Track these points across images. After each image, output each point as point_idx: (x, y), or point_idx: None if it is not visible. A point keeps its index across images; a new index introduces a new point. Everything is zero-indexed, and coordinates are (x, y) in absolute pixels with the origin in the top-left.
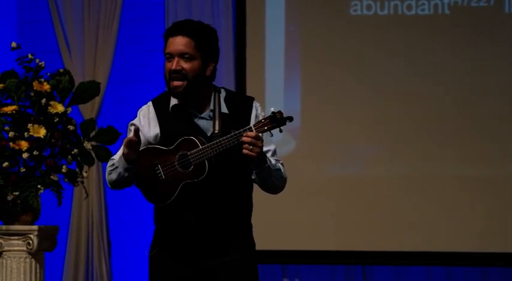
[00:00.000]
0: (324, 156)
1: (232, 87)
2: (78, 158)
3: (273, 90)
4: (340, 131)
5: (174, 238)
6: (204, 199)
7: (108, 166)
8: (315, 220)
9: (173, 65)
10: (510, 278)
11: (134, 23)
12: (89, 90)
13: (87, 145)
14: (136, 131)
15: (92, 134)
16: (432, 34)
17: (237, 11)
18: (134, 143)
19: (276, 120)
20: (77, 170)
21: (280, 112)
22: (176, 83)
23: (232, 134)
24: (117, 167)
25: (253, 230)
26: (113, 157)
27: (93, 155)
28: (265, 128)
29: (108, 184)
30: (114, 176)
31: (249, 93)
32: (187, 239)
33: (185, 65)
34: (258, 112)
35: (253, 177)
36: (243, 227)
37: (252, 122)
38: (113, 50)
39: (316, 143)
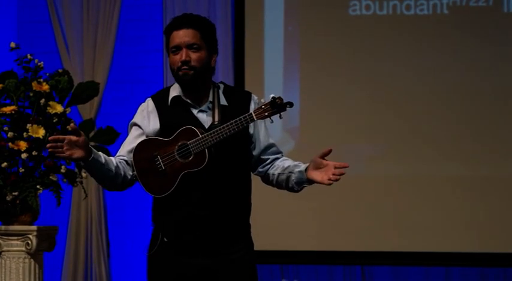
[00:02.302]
0: None
1: None
2: None
3: (271, 90)
4: (339, 131)
5: (174, 236)
6: (204, 191)
7: None
8: (314, 220)
9: (182, 56)
10: (508, 279)
11: (133, 22)
12: (88, 90)
13: None
14: (75, 130)
15: (91, 134)
16: (431, 34)
17: (236, 11)
18: (71, 142)
19: (276, 106)
20: (76, 170)
21: (280, 98)
22: (185, 70)
23: (233, 121)
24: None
25: (252, 230)
26: None
27: None
28: (266, 114)
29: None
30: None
31: None
32: (187, 236)
33: (193, 56)
34: (256, 106)
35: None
36: (242, 226)
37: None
38: (112, 51)
39: (315, 143)
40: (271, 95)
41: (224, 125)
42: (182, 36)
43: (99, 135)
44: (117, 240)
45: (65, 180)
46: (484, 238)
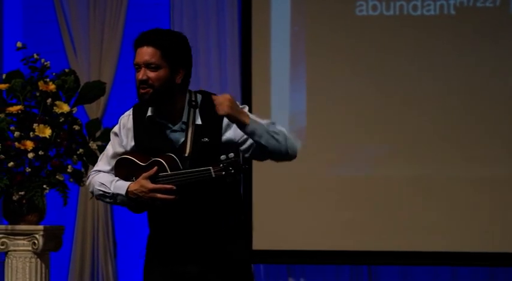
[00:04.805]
0: (330, 156)
1: (237, 88)
2: (84, 158)
3: (278, 90)
4: (346, 131)
5: (164, 243)
6: (187, 207)
7: (98, 187)
8: (320, 219)
9: (140, 75)
10: None
11: (139, 22)
12: (94, 90)
13: (93, 145)
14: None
15: (98, 134)
16: (438, 34)
17: (243, 11)
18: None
19: (233, 167)
20: (83, 170)
21: (237, 160)
22: (143, 90)
23: (194, 170)
24: (112, 196)
25: (259, 230)
26: (103, 182)
27: (99, 155)
28: (223, 173)
29: (92, 195)
30: (107, 200)
31: (254, 94)
32: (176, 245)
33: (151, 75)
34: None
35: (247, 155)
36: (234, 229)
37: (224, 126)
38: (118, 50)
39: (322, 144)
40: (226, 160)
41: (187, 172)
42: (142, 54)
43: (106, 135)
44: (124, 240)
45: (71, 180)
46: (493, 237)
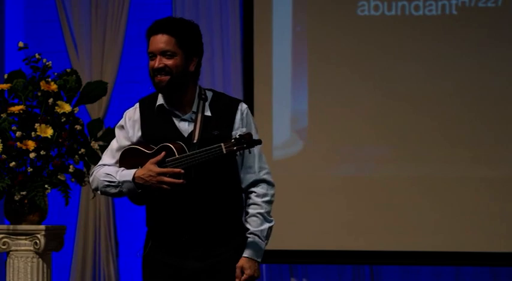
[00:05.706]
0: (331, 156)
1: (239, 88)
2: (86, 158)
3: (280, 90)
4: (347, 131)
5: (163, 240)
6: (189, 199)
7: (103, 178)
8: (322, 219)
9: (156, 63)
10: None
11: (142, 22)
12: (96, 90)
13: (94, 145)
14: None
15: (99, 134)
16: (440, 35)
17: (245, 11)
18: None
19: (245, 142)
20: (84, 170)
21: (248, 134)
22: (160, 77)
23: (203, 150)
24: (118, 185)
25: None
26: (109, 172)
27: (100, 154)
28: (234, 148)
29: (97, 191)
30: (113, 190)
31: (256, 93)
32: (176, 240)
33: (167, 62)
34: (243, 115)
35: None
36: (232, 227)
37: (237, 124)
38: (120, 50)
39: (324, 144)
40: (238, 133)
41: (199, 151)
42: (157, 42)
43: (107, 135)
44: (126, 239)
45: (73, 179)
46: (495, 237)
